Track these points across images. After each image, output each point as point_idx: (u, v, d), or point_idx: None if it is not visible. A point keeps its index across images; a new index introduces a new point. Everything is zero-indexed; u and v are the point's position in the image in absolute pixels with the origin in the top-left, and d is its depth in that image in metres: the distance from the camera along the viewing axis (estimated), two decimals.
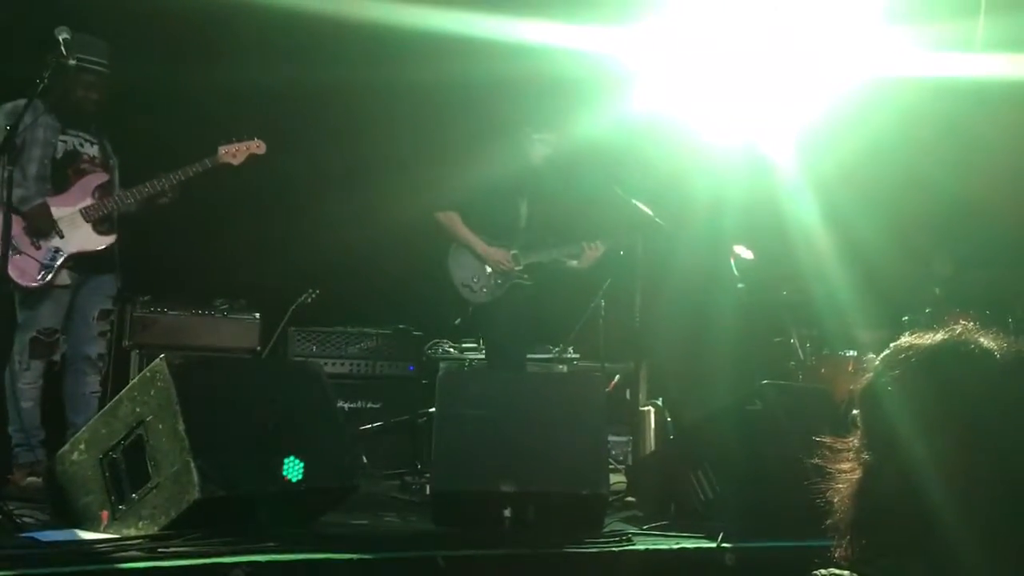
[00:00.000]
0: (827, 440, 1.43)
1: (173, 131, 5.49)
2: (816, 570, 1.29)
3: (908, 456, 1.29)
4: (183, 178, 4.65)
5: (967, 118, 5.66)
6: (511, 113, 5.75)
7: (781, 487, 3.41)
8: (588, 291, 6.13)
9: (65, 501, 3.29)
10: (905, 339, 1.39)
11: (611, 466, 4.96)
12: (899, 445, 1.30)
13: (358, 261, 6.27)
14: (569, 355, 6.35)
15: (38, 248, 4.45)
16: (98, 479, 3.21)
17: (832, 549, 1.36)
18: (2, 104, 4.44)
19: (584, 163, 5.59)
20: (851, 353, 5.88)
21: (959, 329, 1.36)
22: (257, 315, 5.87)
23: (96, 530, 3.14)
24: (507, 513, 3.45)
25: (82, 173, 4.65)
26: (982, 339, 1.34)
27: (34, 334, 4.46)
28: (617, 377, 6.17)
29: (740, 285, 6.16)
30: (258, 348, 5.84)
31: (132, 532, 3.06)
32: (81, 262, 4.57)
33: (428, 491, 4.07)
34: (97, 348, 4.71)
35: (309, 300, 6.06)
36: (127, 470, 3.17)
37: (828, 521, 1.38)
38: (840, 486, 1.37)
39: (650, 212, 5.15)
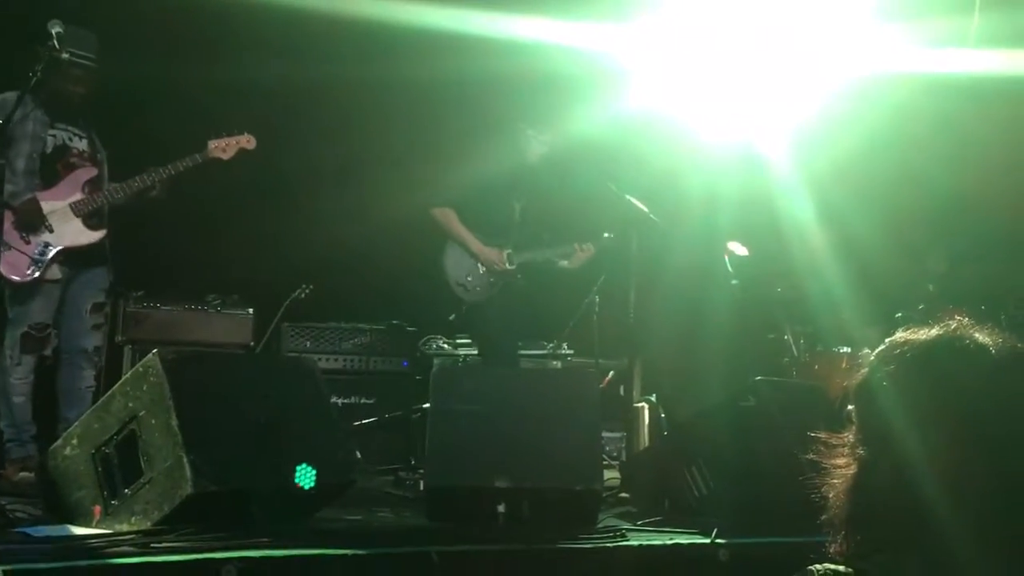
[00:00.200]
0: (822, 436, 1.43)
1: (164, 126, 5.47)
2: (811, 566, 1.29)
3: (903, 451, 1.29)
4: (173, 172, 4.65)
5: (961, 114, 5.66)
6: (506, 110, 5.74)
7: (775, 483, 3.40)
8: (582, 288, 6.13)
9: (57, 496, 3.28)
10: (900, 335, 1.39)
11: (605, 462, 4.94)
12: (894, 440, 1.30)
13: (352, 257, 6.26)
14: (563, 351, 6.34)
15: (28, 243, 4.43)
16: (90, 474, 3.20)
17: (827, 544, 1.36)
18: None
19: (579, 160, 5.58)
20: (845, 349, 5.89)
21: (954, 324, 1.36)
22: (251, 310, 5.86)
23: (88, 525, 3.13)
24: (501, 509, 3.44)
25: (71, 167, 4.63)
26: (977, 335, 1.34)
27: (25, 329, 4.44)
28: (611, 373, 6.17)
29: (734, 281, 6.16)
30: (251, 343, 5.82)
31: (125, 527, 3.05)
32: (71, 256, 4.55)
33: (422, 487, 4.07)
34: (92, 341, 4.69)
35: (303, 296, 6.05)
36: (119, 465, 3.16)
37: (823, 517, 1.38)
38: (835, 481, 1.37)
39: (645, 208, 5.15)
